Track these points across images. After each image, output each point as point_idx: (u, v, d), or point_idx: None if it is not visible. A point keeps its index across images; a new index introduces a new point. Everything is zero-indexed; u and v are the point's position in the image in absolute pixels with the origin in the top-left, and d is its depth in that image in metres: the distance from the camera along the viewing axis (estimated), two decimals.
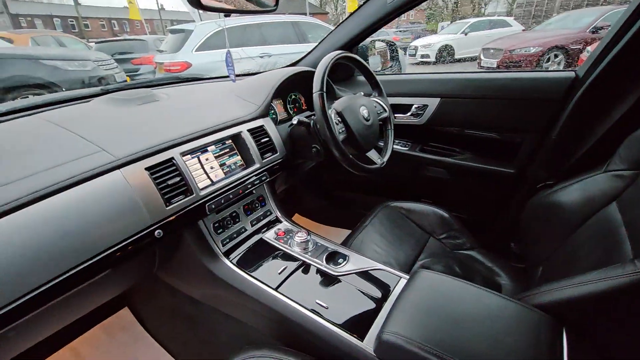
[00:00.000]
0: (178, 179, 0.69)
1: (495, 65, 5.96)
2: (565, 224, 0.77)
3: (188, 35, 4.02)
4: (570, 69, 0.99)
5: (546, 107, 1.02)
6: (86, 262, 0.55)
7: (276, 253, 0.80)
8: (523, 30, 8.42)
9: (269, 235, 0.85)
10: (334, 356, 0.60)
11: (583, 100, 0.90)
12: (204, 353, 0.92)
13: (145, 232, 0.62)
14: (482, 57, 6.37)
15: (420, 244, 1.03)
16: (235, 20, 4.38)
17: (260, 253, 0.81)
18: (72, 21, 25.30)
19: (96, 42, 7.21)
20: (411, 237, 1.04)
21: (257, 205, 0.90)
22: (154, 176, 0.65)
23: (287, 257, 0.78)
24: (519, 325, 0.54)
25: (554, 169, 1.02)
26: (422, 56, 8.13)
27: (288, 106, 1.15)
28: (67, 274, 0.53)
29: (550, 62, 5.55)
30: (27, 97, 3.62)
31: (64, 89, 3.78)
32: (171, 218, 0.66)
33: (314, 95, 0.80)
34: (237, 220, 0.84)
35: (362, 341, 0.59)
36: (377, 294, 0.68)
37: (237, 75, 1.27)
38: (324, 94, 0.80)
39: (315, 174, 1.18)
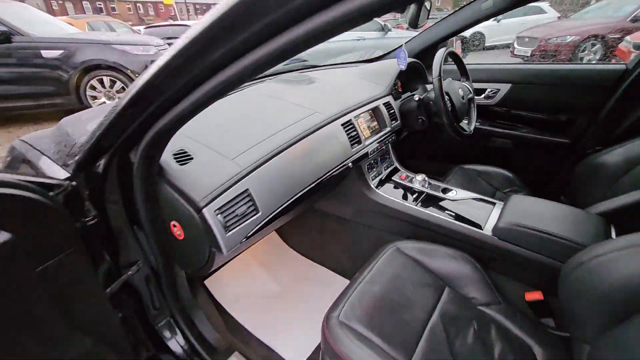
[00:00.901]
0: (355, 132, 1.06)
1: (529, 54, 5.99)
2: (611, 176, 1.10)
3: None
4: (622, 62, 1.29)
5: (598, 93, 1.32)
6: (320, 179, 0.92)
7: (406, 188, 1.17)
8: (558, 17, 8.24)
9: (395, 178, 1.23)
10: (460, 241, 0.98)
11: (631, 87, 1.20)
12: (345, 256, 1.32)
13: (344, 163, 1.00)
14: (515, 45, 6.38)
15: (490, 196, 1.38)
16: None
17: (396, 187, 1.18)
18: (100, 4, 25.89)
19: (145, 28, 7.65)
20: (484, 191, 1.38)
21: (386, 157, 1.28)
22: (345, 129, 1.02)
23: (414, 191, 1.16)
24: (585, 224, 0.88)
25: (602, 139, 1.33)
26: None
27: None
28: (309, 187, 0.90)
29: (586, 52, 5.54)
30: (102, 78, 4.09)
31: (129, 71, 4.21)
32: (354, 156, 1.04)
33: (434, 79, 1.14)
34: (377, 165, 1.22)
35: (482, 229, 0.95)
36: (484, 208, 1.05)
37: (350, 62, 1.61)
38: (441, 78, 1.14)
39: (398, 144, 1.53)
